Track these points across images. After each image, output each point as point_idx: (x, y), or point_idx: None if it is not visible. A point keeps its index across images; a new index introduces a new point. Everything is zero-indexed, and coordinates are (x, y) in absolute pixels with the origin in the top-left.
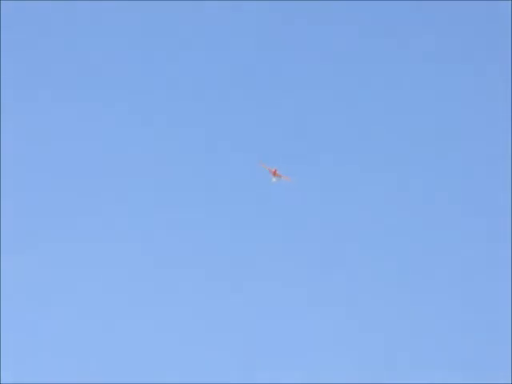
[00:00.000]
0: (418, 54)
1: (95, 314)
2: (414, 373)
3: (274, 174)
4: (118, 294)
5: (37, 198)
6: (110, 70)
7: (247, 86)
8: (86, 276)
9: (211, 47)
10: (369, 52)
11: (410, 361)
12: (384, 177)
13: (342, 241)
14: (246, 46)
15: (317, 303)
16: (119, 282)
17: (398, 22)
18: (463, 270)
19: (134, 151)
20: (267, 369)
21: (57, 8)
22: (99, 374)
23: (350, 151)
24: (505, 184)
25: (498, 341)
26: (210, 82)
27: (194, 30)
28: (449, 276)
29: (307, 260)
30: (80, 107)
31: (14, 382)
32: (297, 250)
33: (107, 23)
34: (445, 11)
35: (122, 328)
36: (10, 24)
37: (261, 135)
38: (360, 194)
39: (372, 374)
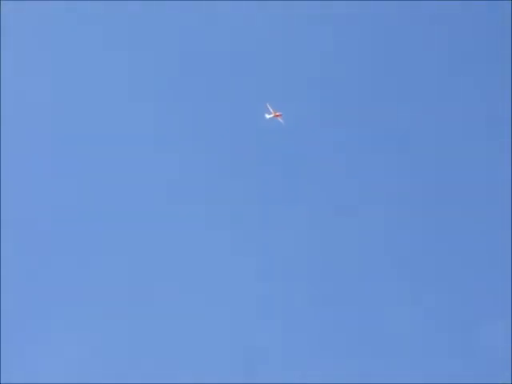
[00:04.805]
0: (418, 52)
1: None
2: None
3: (275, 115)
4: None
5: None
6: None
7: None
8: None
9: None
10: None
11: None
12: None
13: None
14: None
15: None
16: None
17: (397, 22)
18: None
19: None
20: None
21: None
22: None
23: None
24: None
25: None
26: None
27: None
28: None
29: None
30: None
31: (14, 382)
32: None
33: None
34: (444, 11)
35: None
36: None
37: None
38: None
39: None
